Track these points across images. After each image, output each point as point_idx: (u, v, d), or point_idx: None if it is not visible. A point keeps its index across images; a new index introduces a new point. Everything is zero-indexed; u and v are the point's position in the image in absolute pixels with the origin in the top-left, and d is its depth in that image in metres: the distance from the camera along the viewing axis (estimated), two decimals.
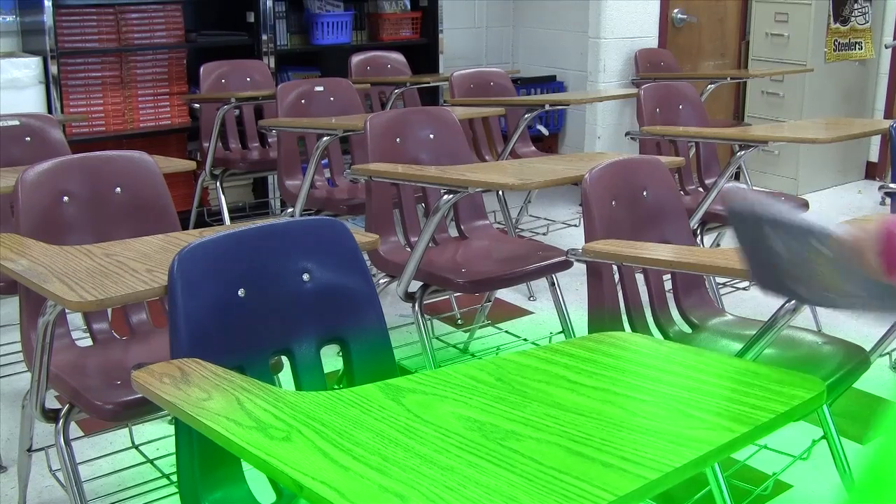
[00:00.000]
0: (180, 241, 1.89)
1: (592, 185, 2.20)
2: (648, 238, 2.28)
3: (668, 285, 2.41)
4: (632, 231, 2.25)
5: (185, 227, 2.56)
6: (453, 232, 3.11)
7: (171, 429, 1.69)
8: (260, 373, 1.49)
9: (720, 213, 3.47)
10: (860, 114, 5.76)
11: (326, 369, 1.61)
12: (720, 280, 3.46)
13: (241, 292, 1.50)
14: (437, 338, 3.35)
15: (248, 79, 4.51)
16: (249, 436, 1.09)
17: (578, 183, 2.30)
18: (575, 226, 4.79)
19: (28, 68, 4.14)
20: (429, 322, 2.94)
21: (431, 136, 3.03)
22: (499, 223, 4.06)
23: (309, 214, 3.54)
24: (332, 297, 1.59)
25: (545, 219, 4.87)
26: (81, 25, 4.40)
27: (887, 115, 5.71)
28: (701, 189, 3.82)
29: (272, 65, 4.80)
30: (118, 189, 2.28)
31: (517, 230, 4.40)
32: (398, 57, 4.95)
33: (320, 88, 3.94)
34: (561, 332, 3.01)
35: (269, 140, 4.54)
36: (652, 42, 5.36)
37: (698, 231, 3.44)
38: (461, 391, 1.18)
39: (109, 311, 2.33)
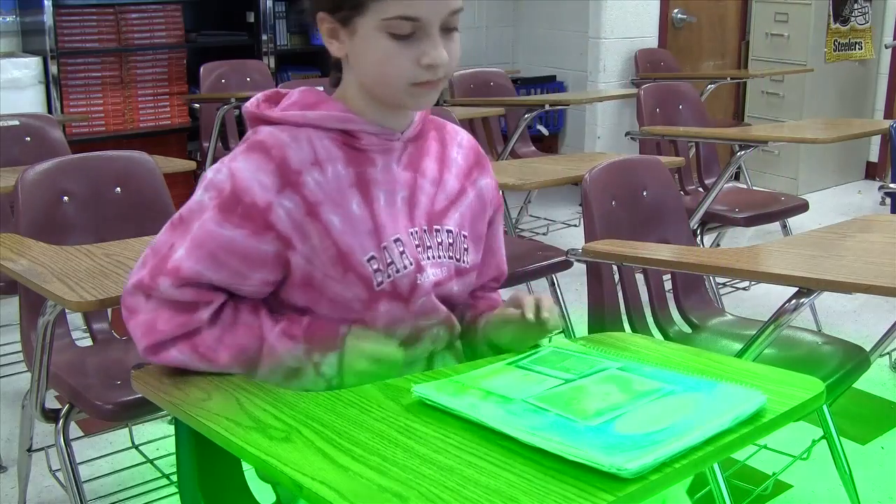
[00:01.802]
0: None
1: (592, 185, 2.20)
2: (648, 238, 2.28)
3: (668, 285, 2.41)
4: (632, 231, 2.25)
5: None
6: None
7: (171, 429, 1.69)
8: None
9: (720, 213, 3.47)
10: (860, 114, 5.76)
11: None
12: (720, 280, 3.46)
13: None
14: None
15: (248, 79, 4.50)
16: (249, 436, 1.09)
17: (578, 183, 2.30)
18: (575, 226, 4.79)
19: (28, 68, 4.14)
20: None
21: None
22: None
23: None
24: None
25: (545, 219, 4.87)
26: (81, 25, 4.40)
27: (887, 115, 5.71)
28: (701, 189, 3.81)
29: (272, 65, 4.80)
30: (118, 189, 2.28)
31: (517, 230, 4.40)
32: None
33: (320, 88, 3.93)
34: (561, 333, 3.01)
35: None
36: (652, 42, 5.36)
37: (698, 231, 3.44)
38: None
39: (109, 311, 2.33)
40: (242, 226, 1.22)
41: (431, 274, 1.33)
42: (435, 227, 1.36)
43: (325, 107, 1.30)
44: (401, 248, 1.30)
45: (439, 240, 1.36)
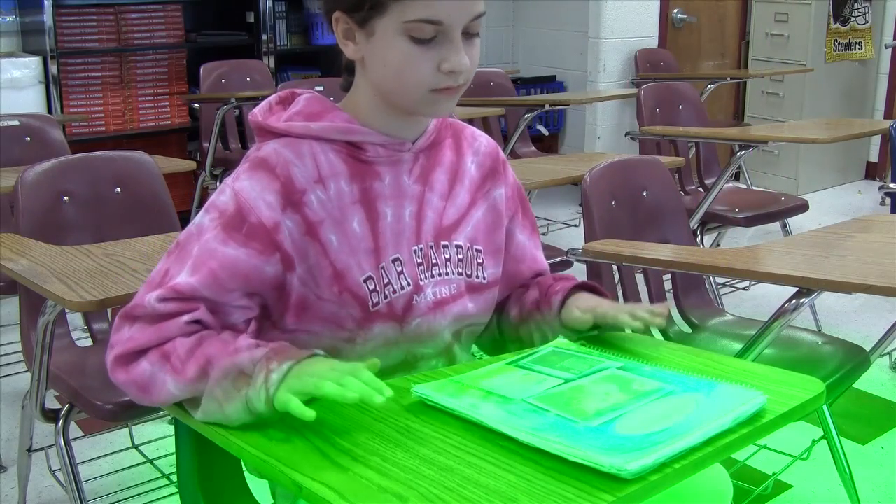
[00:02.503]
0: None
1: (592, 185, 2.20)
2: (648, 238, 2.28)
3: (668, 285, 2.41)
4: (632, 231, 2.25)
5: (185, 227, 2.56)
6: None
7: (171, 429, 1.69)
8: None
9: (720, 213, 3.47)
10: (860, 114, 5.76)
11: None
12: (720, 280, 3.46)
13: None
14: None
15: (248, 79, 4.51)
16: (249, 436, 1.09)
17: (578, 183, 2.30)
18: (575, 226, 4.79)
19: (28, 68, 4.14)
20: None
21: None
22: None
23: None
24: None
25: (545, 219, 4.87)
26: (81, 25, 4.40)
27: (887, 115, 5.71)
28: (701, 189, 3.82)
29: (272, 65, 4.80)
30: (118, 189, 2.28)
31: None
32: None
33: (320, 88, 3.94)
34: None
35: None
36: (652, 42, 5.36)
37: (698, 231, 3.44)
38: None
39: (109, 311, 2.33)
40: (247, 245, 1.19)
41: (431, 293, 1.30)
42: (443, 242, 1.33)
43: (330, 117, 1.26)
44: (399, 269, 1.28)
45: (447, 256, 1.32)
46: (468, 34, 1.21)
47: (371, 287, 1.25)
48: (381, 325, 1.27)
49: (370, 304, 1.25)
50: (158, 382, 1.16)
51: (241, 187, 1.21)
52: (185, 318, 1.17)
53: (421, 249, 1.30)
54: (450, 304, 1.32)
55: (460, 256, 1.34)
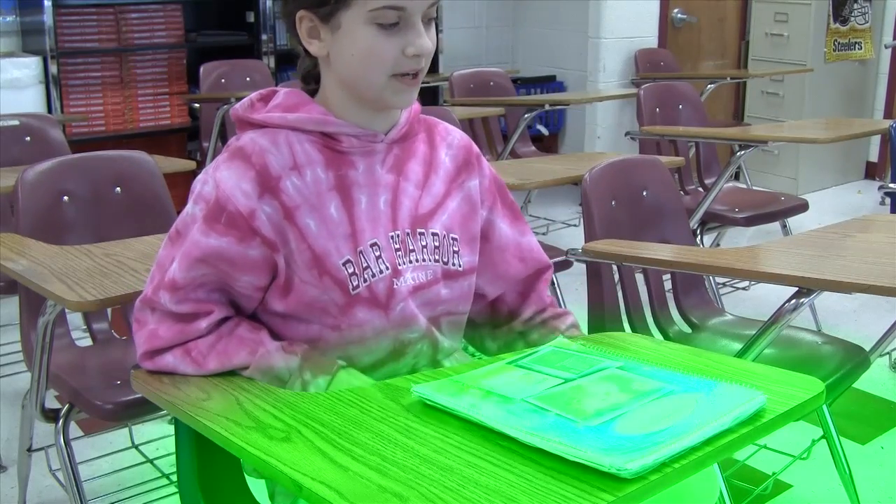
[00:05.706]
0: None
1: (592, 185, 2.20)
2: (648, 238, 2.28)
3: (667, 285, 2.41)
4: (632, 231, 2.25)
5: None
6: None
7: (171, 429, 1.69)
8: None
9: (720, 212, 3.47)
10: (860, 114, 5.76)
11: None
12: (720, 280, 3.46)
13: None
14: None
15: (248, 79, 4.51)
16: (249, 436, 1.09)
17: (578, 183, 2.30)
18: (575, 226, 4.79)
19: (28, 68, 4.14)
20: None
21: None
22: None
23: None
24: None
25: (545, 219, 4.87)
26: (81, 25, 4.40)
27: (887, 115, 5.71)
28: (701, 189, 3.82)
29: (272, 65, 4.81)
30: (118, 189, 2.28)
31: None
32: None
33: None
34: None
35: None
36: (652, 42, 5.36)
37: (698, 231, 3.44)
38: None
39: (109, 311, 2.33)
40: (228, 233, 1.25)
41: (410, 278, 1.34)
42: (419, 230, 1.36)
43: (306, 109, 1.32)
44: (377, 253, 1.31)
45: (423, 243, 1.36)
46: (427, 19, 1.28)
47: (350, 270, 1.29)
48: (365, 311, 1.30)
49: (350, 287, 1.29)
50: (180, 370, 1.30)
51: (221, 177, 1.27)
52: (204, 323, 1.29)
53: (398, 235, 1.34)
54: (425, 289, 1.36)
55: (436, 244, 1.38)
